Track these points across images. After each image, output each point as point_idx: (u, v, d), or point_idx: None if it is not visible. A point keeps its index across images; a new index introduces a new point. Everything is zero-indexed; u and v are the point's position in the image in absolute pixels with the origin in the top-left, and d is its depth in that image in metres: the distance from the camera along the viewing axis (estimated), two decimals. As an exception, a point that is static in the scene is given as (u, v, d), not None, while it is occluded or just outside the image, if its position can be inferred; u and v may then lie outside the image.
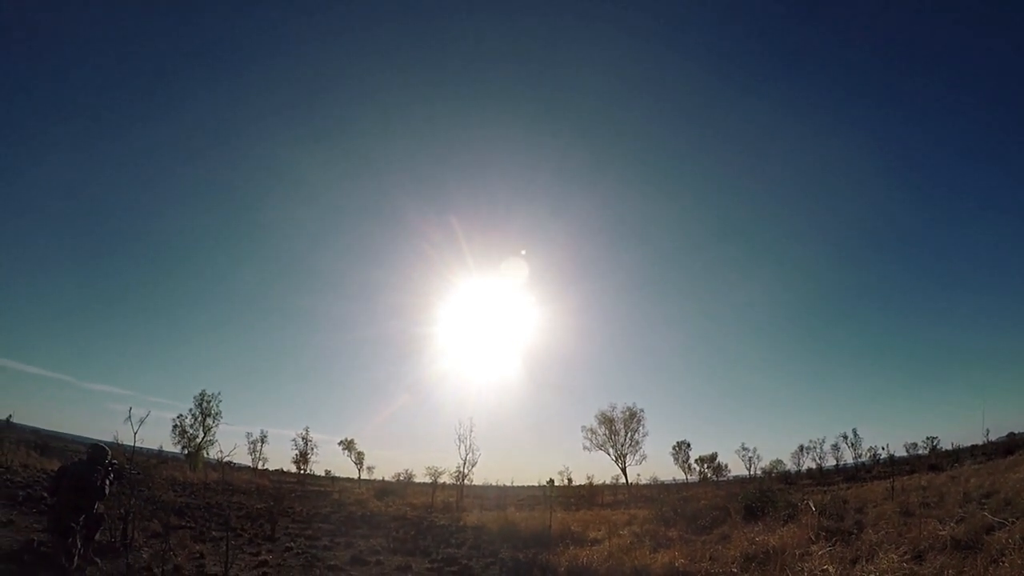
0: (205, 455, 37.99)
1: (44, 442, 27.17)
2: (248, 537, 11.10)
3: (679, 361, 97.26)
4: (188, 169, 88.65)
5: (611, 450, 43.81)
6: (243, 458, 45.78)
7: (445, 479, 36.53)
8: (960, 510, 9.57)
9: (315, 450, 46.72)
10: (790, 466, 48.77)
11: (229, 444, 54.38)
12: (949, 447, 41.13)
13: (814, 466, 47.86)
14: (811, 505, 11.91)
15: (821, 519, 10.33)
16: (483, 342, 72.36)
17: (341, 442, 50.74)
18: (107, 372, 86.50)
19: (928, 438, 44.09)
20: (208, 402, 39.58)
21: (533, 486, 42.30)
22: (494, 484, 45.96)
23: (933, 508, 10.67)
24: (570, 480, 42.97)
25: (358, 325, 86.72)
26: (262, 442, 47.26)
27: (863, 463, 44.60)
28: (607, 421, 44.03)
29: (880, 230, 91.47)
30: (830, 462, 47.77)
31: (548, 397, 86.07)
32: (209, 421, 39.32)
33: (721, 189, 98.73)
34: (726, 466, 50.60)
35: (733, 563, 8.31)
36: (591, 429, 44.32)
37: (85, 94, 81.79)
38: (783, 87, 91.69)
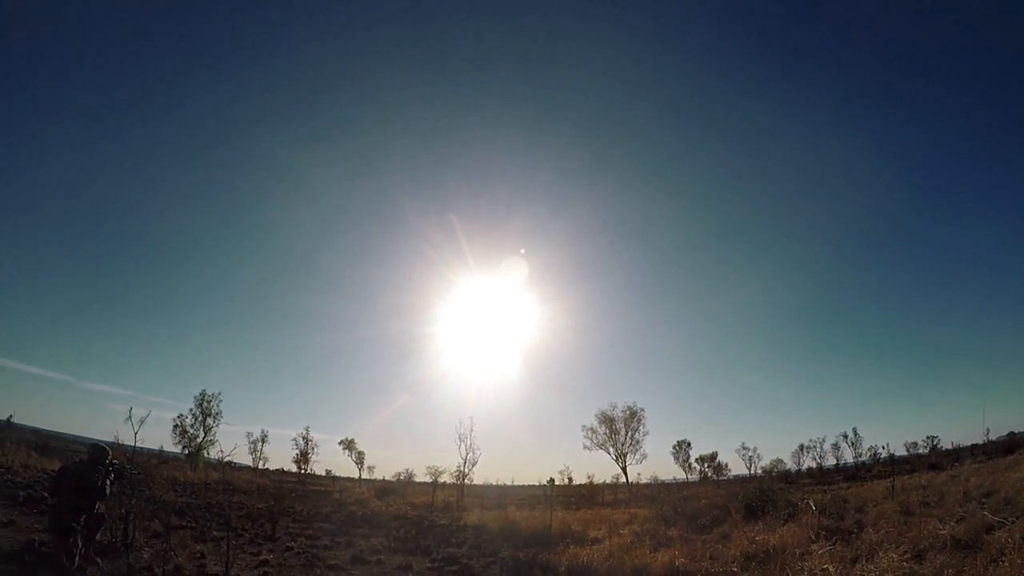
0: (206, 455, 38.06)
1: (44, 442, 27.17)
2: (249, 537, 11.11)
3: (679, 361, 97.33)
4: (188, 169, 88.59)
5: (611, 449, 43.86)
6: (244, 458, 45.86)
7: (445, 478, 36.66)
8: (960, 509, 9.57)
9: (316, 450, 46.78)
10: (790, 465, 48.85)
11: (229, 444, 54.66)
12: (949, 446, 41.15)
13: (814, 465, 47.91)
14: (811, 504, 11.91)
15: (821, 518, 10.34)
16: (483, 342, 72.41)
17: (342, 442, 50.75)
18: (107, 372, 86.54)
19: (928, 437, 44.14)
20: (208, 402, 39.64)
21: (533, 485, 42.45)
22: (494, 483, 46.12)
23: (933, 507, 10.68)
24: (570, 479, 43.00)
25: (358, 325, 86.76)
26: (263, 442, 47.32)
27: (863, 462, 44.61)
28: (607, 420, 44.07)
29: (880, 230, 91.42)
30: (830, 461, 47.88)
31: (548, 397, 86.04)
32: (209, 421, 39.38)
33: (721, 189, 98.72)
34: (726, 465, 50.69)
35: (733, 562, 8.31)
36: (591, 428, 44.37)
37: (85, 94, 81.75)
38: (783, 87, 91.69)
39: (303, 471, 46.33)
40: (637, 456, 43.70)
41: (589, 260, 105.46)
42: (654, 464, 76.54)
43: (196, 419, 39.15)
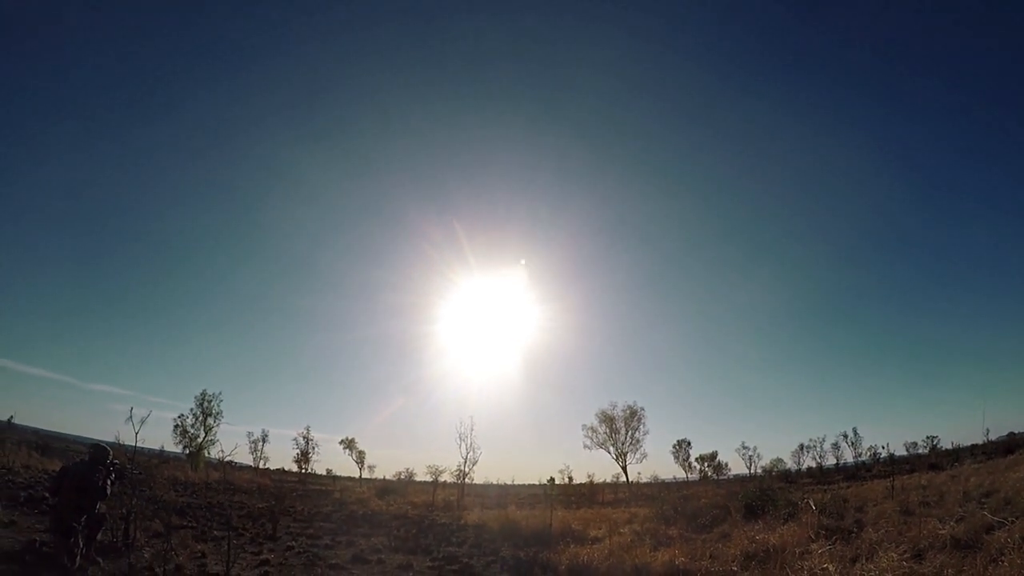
0: (206, 455, 38.14)
1: (45, 443, 27.21)
2: (250, 536, 11.12)
3: (679, 360, 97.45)
4: (188, 169, 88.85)
5: (612, 448, 43.94)
6: (244, 457, 46.01)
7: (446, 478, 36.67)
8: (960, 509, 9.58)
9: (316, 449, 46.89)
10: (790, 465, 48.98)
11: (230, 444, 54.57)
12: (949, 446, 41.23)
13: (814, 465, 48.02)
14: (811, 504, 11.93)
15: (821, 518, 10.35)
16: (483, 341, 72.55)
17: (342, 441, 50.89)
18: (108, 372, 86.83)
19: (928, 437, 44.25)
20: (209, 402, 39.71)
21: (534, 485, 42.47)
22: (495, 483, 46.21)
23: (933, 507, 10.69)
24: (571, 479, 43.00)
25: (358, 325, 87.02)
26: (263, 441, 47.52)
27: (863, 462, 44.67)
28: (608, 420, 44.14)
29: (880, 230, 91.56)
30: (830, 461, 47.99)
31: (548, 396, 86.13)
32: (210, 421, 39.45)
33: (721, 189, 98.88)
34: (726, 465, 50.85)
35: (733, 561, 8.33)
36: (592, 428, 44.46)
37: (85, 94, 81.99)
38: (783, 87, 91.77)
39: (304, 471, 46.41)
40: (637, 455, 43.86)
41: (589, 260, 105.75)
42: (654, 463, 76.78)
43: (197, 419, 39.25)
